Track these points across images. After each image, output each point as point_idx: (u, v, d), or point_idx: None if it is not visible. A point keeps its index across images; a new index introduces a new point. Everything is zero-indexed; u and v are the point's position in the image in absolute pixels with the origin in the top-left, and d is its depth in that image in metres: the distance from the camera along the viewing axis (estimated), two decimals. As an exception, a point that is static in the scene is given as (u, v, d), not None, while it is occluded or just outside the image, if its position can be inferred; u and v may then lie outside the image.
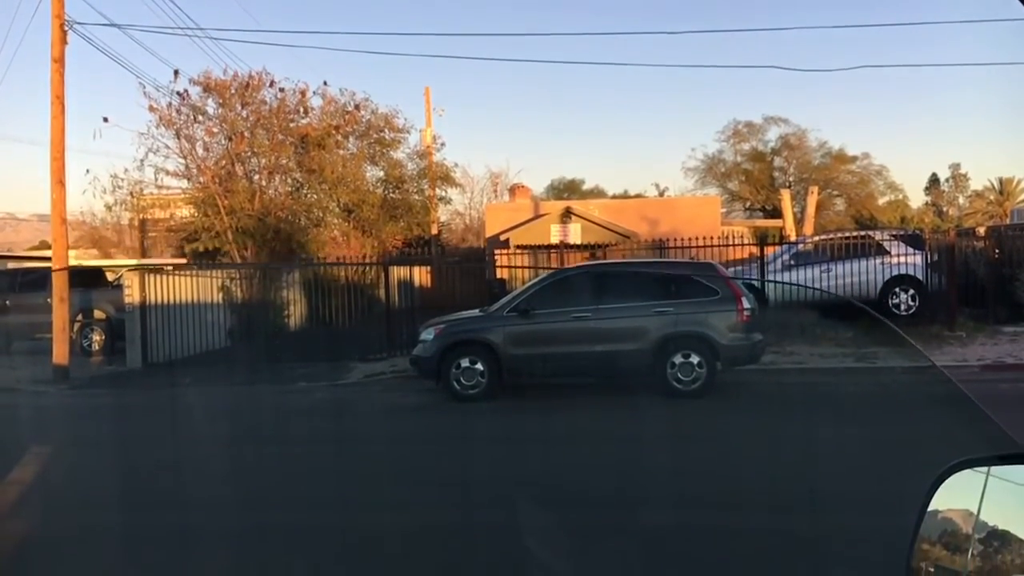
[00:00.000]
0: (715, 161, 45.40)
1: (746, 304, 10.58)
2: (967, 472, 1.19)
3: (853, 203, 43.65)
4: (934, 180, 58.77)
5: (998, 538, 1.12)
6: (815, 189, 30.51)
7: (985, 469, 1.19)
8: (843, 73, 71.17)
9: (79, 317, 18.04)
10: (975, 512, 1.16)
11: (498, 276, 20.85)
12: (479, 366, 10.78)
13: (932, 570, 1.14)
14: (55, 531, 1.30)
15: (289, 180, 23.20)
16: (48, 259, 16.52)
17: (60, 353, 14.57)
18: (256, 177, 21.91)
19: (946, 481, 1.17)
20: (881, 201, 45.43)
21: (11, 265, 23.78)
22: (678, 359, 10.47)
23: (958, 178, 57.57)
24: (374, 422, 9.61)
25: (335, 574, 1.18)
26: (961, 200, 57.12)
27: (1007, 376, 11.64)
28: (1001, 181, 51.04)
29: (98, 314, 18.40)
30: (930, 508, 1.15)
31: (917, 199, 56.00)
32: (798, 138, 43.50)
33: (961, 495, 1.17)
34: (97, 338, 18.30)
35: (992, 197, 51.33)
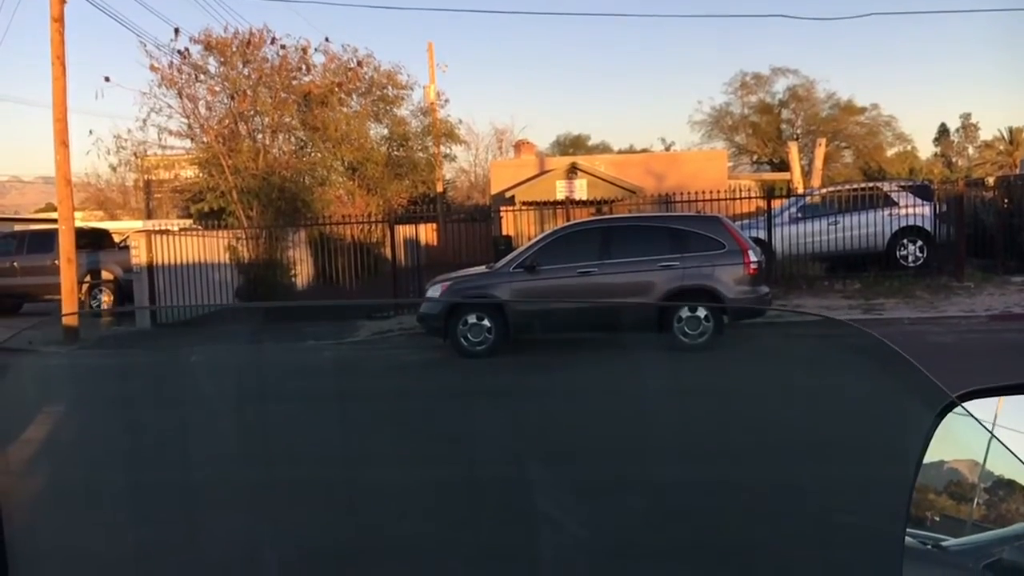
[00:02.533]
0: (722, 114, 44.99)
1: (752, 257, 10.55)
2: (971, 404, 1.18)
3: (861, 155, 43.28)
4: (943, 131, 58.13)
5: (1003, 487, 1.12)
6: (823, 141, 30.22)
7: (992, 400, 1.18)
8: (852, 22, 70.20)
9: (87, 278, 18.09)
10: (985, 439, 1.16)
11: (504, 233, 20.80)
12: (486, 323, 10.80)
13: (938, 519, 1.14)
14: (68, 488, 1.33)
15: (293, 139, 23.08)
16: (54, 221, 16.54)
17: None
18: (260, 136, 21.80)
19: (950, 413, 1.17)
20: (890, 152, 45.06)
21: (18, 227, 23.80)
22: (684, 313, 10.47)
23: (968, 128, 56.92)
24: (381, 379, 9.67)
25: (343, 526, 1.20)
26: (971, 150, 56.53)
27: (1014, 326, 11.63)
28: (1011, 131, 50.41)
29: (106, 275, 18.45)
30: (931, 459, 1.14)
31: (926, 150, 55.48)
32: (806, 89, 43.03)
33: (965, 428, 1.16)
34: (106, 299, 18.37)
35: (1002, 147, 50.74)
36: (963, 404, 1.18)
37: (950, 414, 1.15)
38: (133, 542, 1.39)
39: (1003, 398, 1.18)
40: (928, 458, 1.13)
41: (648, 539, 1.32)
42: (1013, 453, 1.13)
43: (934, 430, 1.13)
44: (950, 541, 1.15)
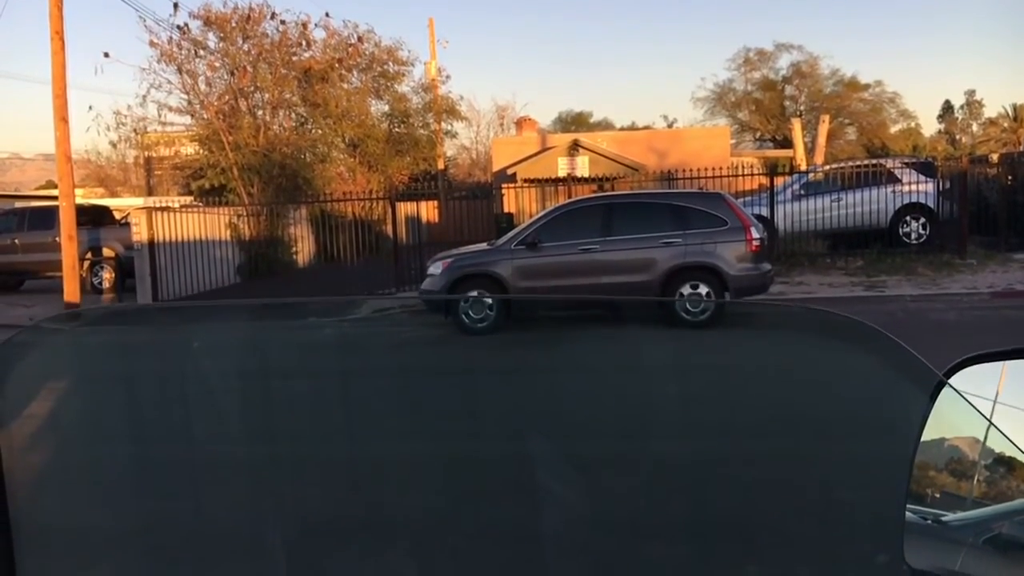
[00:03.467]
0: (725, 91, 44.72)
1: (755, 234, 10.52)
2: (974, 368, 1.18)
3: (865, 132, 43.06)
4: (948, 108, 57.76)
5: (1004, 464, 1.12)
6: (826, 118, 30.05)
7: (997, 364, 1.18)
8: (857, -2, 69.49)
9: (88, 255, 18.09)
10: (992, 399, 1.16)
11: (505, 210, 20.77)
12: (487, 299, 10.80)
13: (938, 496, 1.15)
14: (72, 463, 1.34)
15: (293, 115, 23.01)
16: (55, 198, 16.51)
17: (71, 291, 14.66)
18: (260, 112, 21.72)
19: (955, 376, 1.17)
20: (893, 129, 44.82)
21: (18, 204, 23.77)
22: (686, 290, 10.47)
23: (972, 105, 56.55)
24: (384, 355, 9.70)
25: (346, 502, 1.21)
26: (975, 127, 56.20)
27: (1016, 303, 11.62)
28: (1015, 108, 50.08)
29: (107, 252, 18.45)
30: (931, 436, 1.14)
31: (930, 127, 55.18)
32: (810, 66, 42.74)
33: (964, 405, 1.16)
34: (107, 276, 18.36)
35: (1006, 124, 50.44)
36: (965, 369, 1.18)
37: (947, 392, 1.15)
38: (137, 517, 1.39)
39: (1006, 363, 1.18)
40: (928, 435, 1.13)
41: (650, 514, 1.32)
42: (1005, 436, 1.13)
43: (929, 409, 1.13)
44: (950, 516, 1.16)
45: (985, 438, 1.14)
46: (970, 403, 1.13)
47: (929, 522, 1.14)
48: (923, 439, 1.13)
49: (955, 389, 1.12)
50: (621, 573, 1.28)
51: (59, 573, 1.30)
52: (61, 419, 1.41)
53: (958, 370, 1.18)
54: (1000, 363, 1.18)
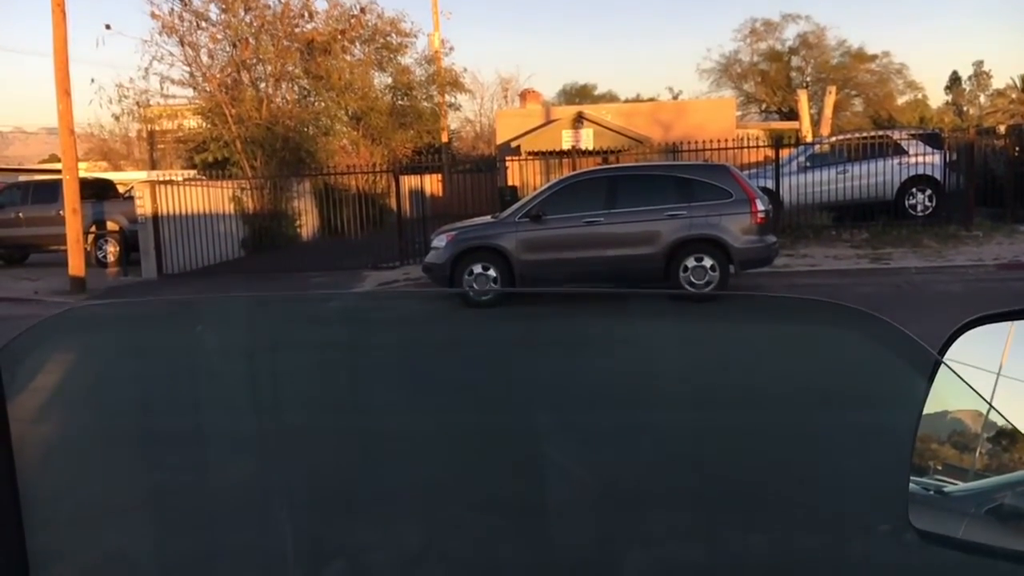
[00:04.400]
0: (731, 62, 44.37)
1: (760, 206, 10.49)
2: (980, 330, 1.18)
3: (871, 103, 42.74)
4: (955, 79, 57.27)
5: (1006, 436, 1.13)
6: (833, 89, 29.85)
7: (1005, 324, 1.18)
8: (864, -34, 68.66)
9: (92, 229, 18.11)
10: (999, 360, 1.16)
11: (509, 183, 20.71)
12: (491, 272, 10.80)
13: (940, 468, 1.15)
14: (76, 434, 1.35)
15: (296, 88, 22.90)
16: (58, 171, 16.49)
17: (76, 264, 14.68)
18: (263, 85, 21.62)
19: (961, 336, 1.16)
20: (900, 101, 44.49)
21: (22, 178, 23.76)
22: (691, 262, 10.45)
23: (980, 76, 56.08)
24: (388, 329, 9.73)
25: (353, 474, 1.22)
26: (982, 99, 55.76)
27: (1022, 274, 11.60)
28: (1023, 79, 49.65)
29: (111, 225, 18.46)
30: (933, 409, 1.14)
31: (937, 99, 54.72)
32: (817, 36, 42.34)
33: (975, 352, 1.16)
34: (112, 249, 18.39)
35: (1014, 96, 49.98)
36: (974, 329, 1.18)
37: (945, 371, 1.15)
38: (143, 488, 1.40)
39: (1014, 324, 1.17)
40: (929, 409, 1.14)
41: (652, 484, 1.33)
42: (1001, 415, 1.13)
43: (928, 389, 1.13)
44: (952, 487, 1.16)
45: (988, 411, 1.15)
46: (968, 384, 1.13)
47: (931, 493, 1.15)
48: (925, 412, 1.13)
49: (953, 371, 1.12)
50: (623, 541, 1.29)
51: (68, 543, 1.32)
52: (69, 391, 1.42)
53: (965, 330, 1.18)
54: (1008, 323, 1.18)
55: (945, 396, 1.13)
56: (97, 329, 1.50)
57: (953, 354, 1.16)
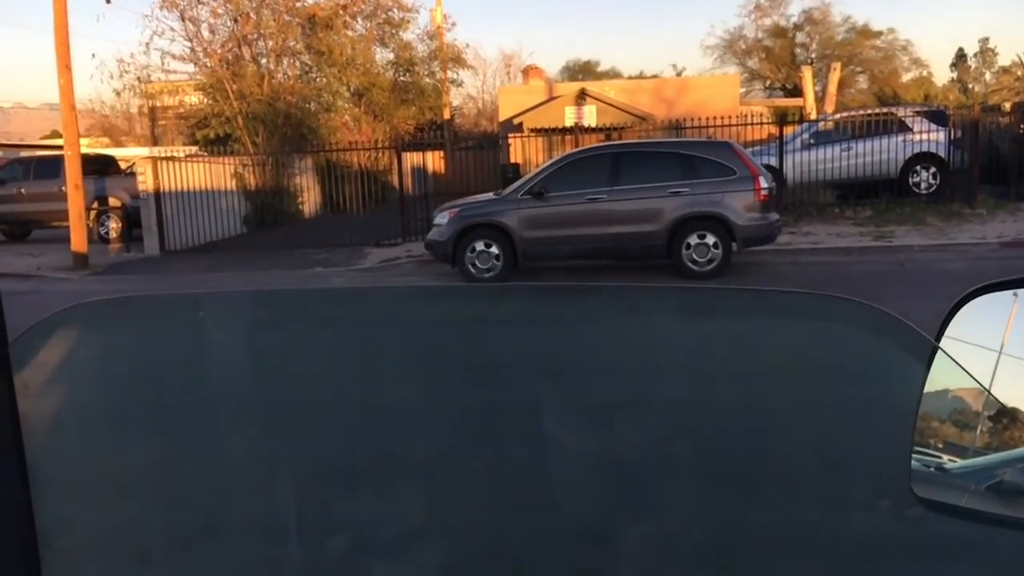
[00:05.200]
0: (735, 38, 44.10)
1: (763, 183, 10.45)
2: (986, 298, 1.18)
3: (876, 80, 42.50)
4: (961, 56, 56.79)
5: (1007, 415, 1.13)
6: (838, 66, 29.61)
7: (1009, 293, 1.18)
8: (871, -59, 67.90)
9: (94, 205, 18.09)
10: (1004, 332, 1.16)
11: (512, 160, 20.64)
12: (494, 249, 10.80)
13: (941, 446, 1.15)
14: (82, 407, 1.37)
15: (298, 63, 22.79)
16: (60, 147, 16.45)
17: (78, 240, 14.69)
18: (264, 61, 21.52)
19: (965, 306, 1.16)
20: (905, 78, 44.23)
21: (23, 154, 23.70)
22: (693, 240, 10.44)
23: (986, 53, 55.60)
24: (392, 304, 9.74)
25: (358, 446, 1.23)
26: (988, 76, 55.34)
27: (1025, 253, 11.58)
28: (1031, 55, 49.28)
29: (113, 201, 18.44)
30: (934, 388, 1.14)
31: (943, 76, 54.34)
32: (822, 12, 42.06)
33: (980, 322, 1.16)
34: (114, 225, 18.38)
35: (1020, 73, 49.59)
36: (980, 297, 1.18)
37: (945, 340, 1.15)
38: (151, 461, 1.42)
39: (1020, 292, 1.17)
40: (930, 388, 1.14)
41: (657, 458, 1.34)
42: (998, 401, 1.14)
43: (926, 374, 1.14)
44: (952, 464, 1.17)
45: (989, 389, 1.15)
46: (968, 372, 1.13)
47: (932, 469, 1.15)
48: (925, 391, 1.13)
49: (953, 359, 1.12)
50: (627, 513, 1.29)
51: (74, 514, 1.33)
52: (76, 365, 1.43)
53: (971, 299, 1.18)
54: (1013, 292, 1.18)
55: (945, 375, 1.13)
56: (107, 320, 1.51)
57: (957, 323, 1.16)
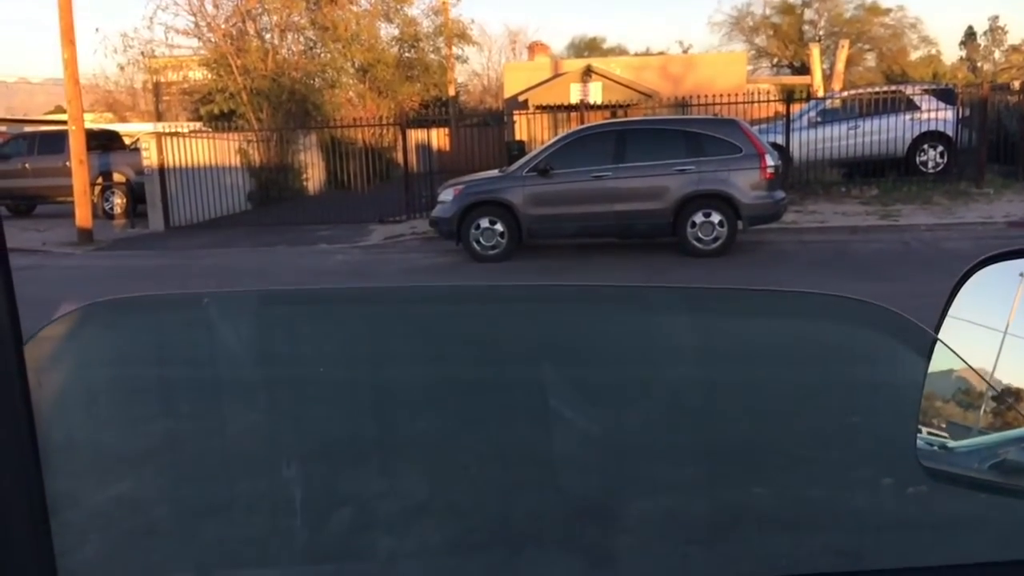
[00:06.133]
0: (742, 15, 43.76)
1: (769, 161, 10.40)
2: (992, 268, 1.18)
3: (884, 58, 42.18)
4: (970, 34, 56.24)
5: (1011, 395, 1.13)
6: (846, 43, 29.37)
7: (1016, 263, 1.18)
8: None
9: (99, 180, 18.07)
10: (1012, 306, 1.16)
11: (517, 137, 20.56)
12: (498, 226, 10.78)
13: (944, 426, 1.16)
14: (88, 383, 1.37)
15: (302, 39, 22.67)
16: (64, 123, 16.42)
17: (83, 216, 14.70)
18: (268, 36, 21.41)
19: (973, 276, 1.16)
20: (914, 56, 43.90)
21: (28, 129, 23.66)
22: (699, 218, 10.41)
23: (995, 32, 55.05)
24: (395, 282, 9.75)
25: (362, 424, 1.23)
26: (997, 55, 54.84)
27: (1032, 233, 11.53)
28: (1041, 33, 48.75)
29: (118, 177, 18.43)
30: (937, 368, 1.14)
31: (952, 54, 53.87)
32: (830, -12, 41.61)
33: (988, 294, 1.16)
34: (119, 201, 18.38)
35: (1030, 51, 49.21)
36: (990, 266, 1.18)
37: (950, 318, 1.15)
38: (156, 435, 1.43)
39: None
40: (934, 368, 1.14)
41: (660, 439, 1.35)
42: (993, 387, 1.14)
43: (927, 366, 1.14)
44: (956, 443, 1.17)
45: (993, 370, 1.15)
46: (968, 364, 1.13)
47: (935, 448, 1.16)
48: (929, 371, 1.14)
49: (955, 352, 1.12)
50: (630, 493, 1.30)
51: (83, 487, 1.34)
52: (78, 340, 1.44)
53: (979, 268, 1.18)
54: (1020, 272, 1.18)
55: (949, 357, 1.13)
56: (119, 318, 1.51)
57: (965, 293, 1.16)
